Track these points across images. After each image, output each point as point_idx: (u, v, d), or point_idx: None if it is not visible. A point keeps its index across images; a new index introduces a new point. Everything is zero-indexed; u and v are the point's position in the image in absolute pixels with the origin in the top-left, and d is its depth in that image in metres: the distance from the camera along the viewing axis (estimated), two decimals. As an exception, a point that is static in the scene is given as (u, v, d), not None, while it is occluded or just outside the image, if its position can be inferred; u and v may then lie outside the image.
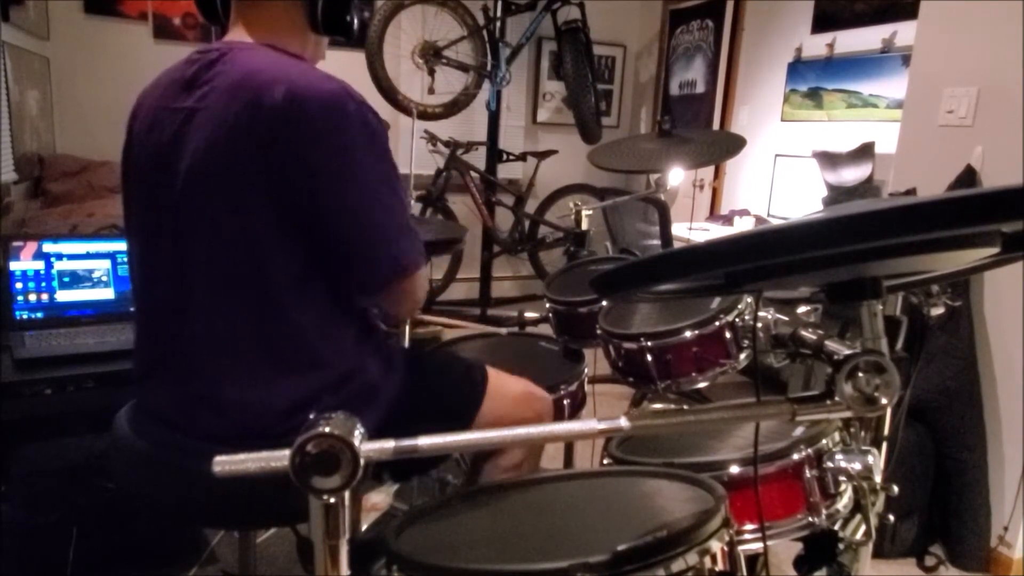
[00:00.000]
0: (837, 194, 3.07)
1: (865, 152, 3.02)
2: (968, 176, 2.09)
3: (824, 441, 1.04)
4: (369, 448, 0.62)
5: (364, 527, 1.60)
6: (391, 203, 1.00)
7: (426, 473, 1.68)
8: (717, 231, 3.72)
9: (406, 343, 1.76)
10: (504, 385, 1.23)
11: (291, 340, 0.99)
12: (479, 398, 1.18)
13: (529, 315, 2.15)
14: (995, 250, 0.64)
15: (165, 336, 1.02)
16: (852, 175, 3.04)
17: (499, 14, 4.05)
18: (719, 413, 0.74)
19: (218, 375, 0.98)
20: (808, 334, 0.92)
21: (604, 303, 1.56)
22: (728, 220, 3.87)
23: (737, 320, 1.27)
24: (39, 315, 1.81)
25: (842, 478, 1.00)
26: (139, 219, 1.06)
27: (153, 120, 1.02)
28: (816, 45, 3.56)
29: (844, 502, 1.04)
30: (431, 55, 3.89)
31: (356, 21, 1.11)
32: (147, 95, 1.07)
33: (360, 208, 0.97)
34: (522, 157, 4.43)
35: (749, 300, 1.27)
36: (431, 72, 3.92)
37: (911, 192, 2.28)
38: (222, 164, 0.94)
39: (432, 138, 4.18)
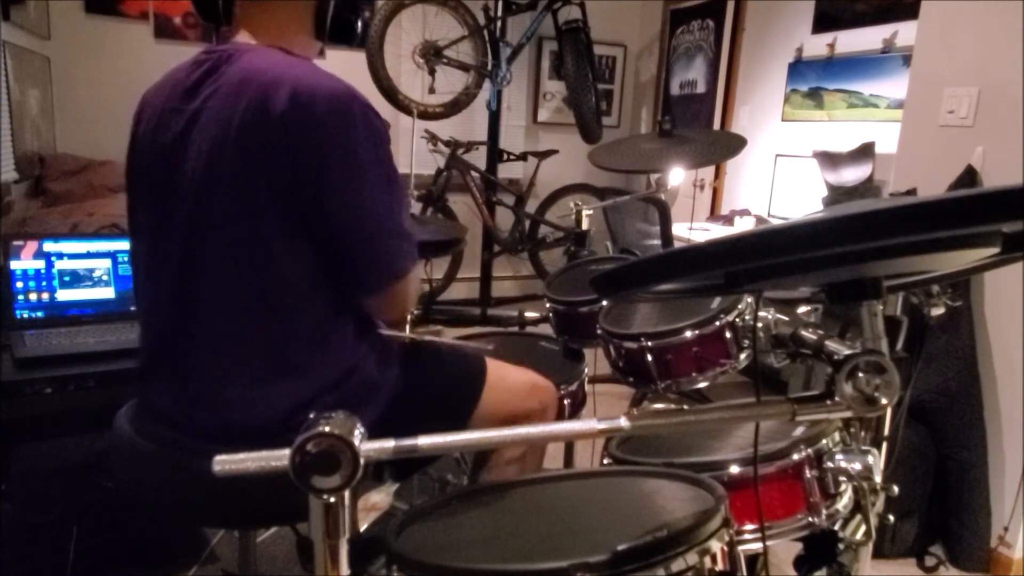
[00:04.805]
0: (837, 194, 3.07)
1: (865, 152, 3.02)
2: (968, 176, 2.09)
3: (824, 441, 1.04)
4: (369, 447, 0.62)
5: (364, 527, 1.60)
6: (390, 205, 1.00)
7: (426, 471, 1.68)
8: (717, 231, 3.72)
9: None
10: (506, 376, 1.23)
11: (293, 339, 0.99)
12: (478, 390, 1.18)
13: (529, 315, 2.15)
14: (995, 250, 0.64)
15: (167, 335, 1.02)
16: (852, 175, 3.04)
17: (500, 14, 4.04)
18: (719, 413, 0.74)
19: (219, 374, 0.98)
20: (808, 334, 0.92)
21: (604, 303, 1.56)
22: (728, 220, 3.87)
23: (737, 320, 1.27)
24: (39, 314, 1.81)
25: (842, 478, 1.00)
26: (143, 218, 1.06)
27: (159, 120, 1.02)
28: (817, 45, 3.56)
29: (844, 502, 1.03)
30: (431, 55, 3.89)
31: (360, 26, 1.11)
32: (152, 95, 1.07)
33: (359, 208, 0.97)
34: (523, 157, 4.42)
35: (749, 300, 1.27)
36: (431, 72, 3.92)
37: (912, 192, 2.28)
38: (228, 164, 0.94)
39: (433, 138, 4.18)
